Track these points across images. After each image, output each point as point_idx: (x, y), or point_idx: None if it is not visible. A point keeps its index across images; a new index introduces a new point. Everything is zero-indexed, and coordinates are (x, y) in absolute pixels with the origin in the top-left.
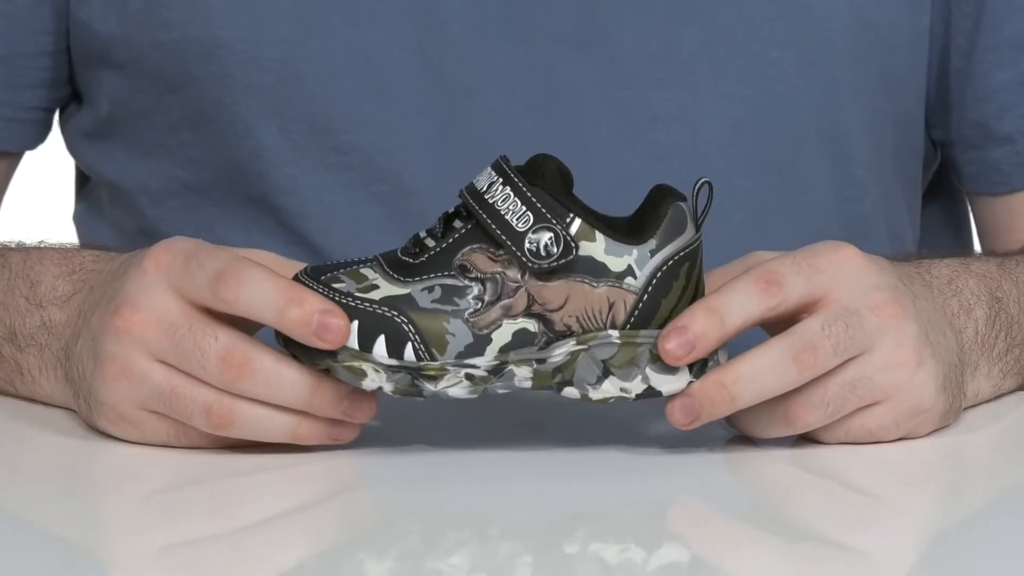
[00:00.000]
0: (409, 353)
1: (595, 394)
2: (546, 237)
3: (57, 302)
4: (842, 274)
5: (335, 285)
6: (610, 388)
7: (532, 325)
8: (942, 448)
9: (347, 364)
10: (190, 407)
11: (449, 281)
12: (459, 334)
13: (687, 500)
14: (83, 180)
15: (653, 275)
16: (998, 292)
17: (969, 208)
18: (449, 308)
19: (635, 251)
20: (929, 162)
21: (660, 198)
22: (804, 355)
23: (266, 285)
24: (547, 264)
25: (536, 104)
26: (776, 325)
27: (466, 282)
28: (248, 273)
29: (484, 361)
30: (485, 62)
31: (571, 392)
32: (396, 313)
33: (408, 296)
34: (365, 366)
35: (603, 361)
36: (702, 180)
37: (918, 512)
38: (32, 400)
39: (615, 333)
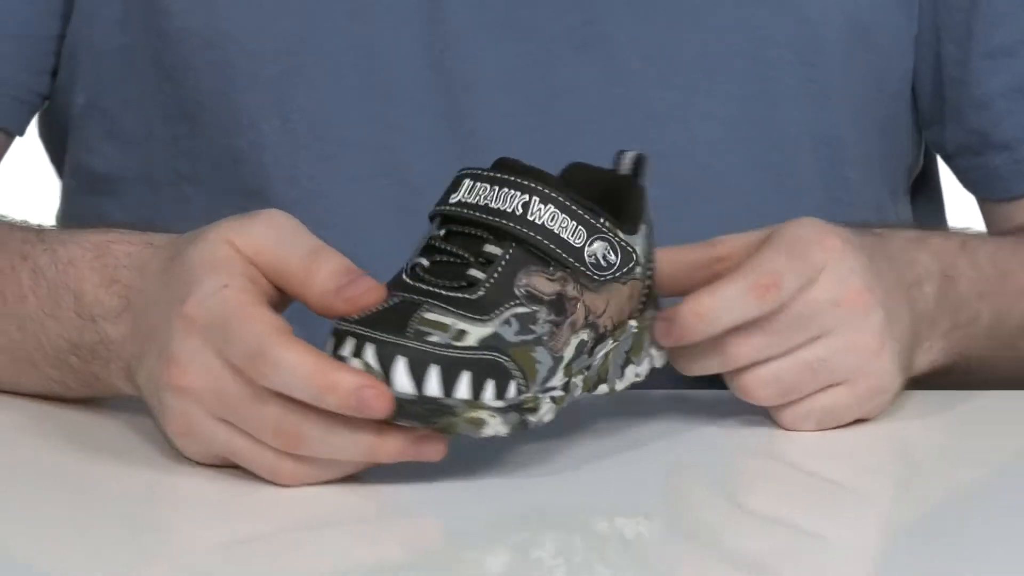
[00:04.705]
0: (512, 391)
1: (619, 385)
2: (601, 248)
3: (108, 317)
4: (829, 261)
5: (430, 339)
6: (630, 375)
7: (586, 334)
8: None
9: (467, 417)
10: (254, 468)
11: (520, 310)
12: (543, 361)
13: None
14: (68, 184)
15: (649, 259)
16: (950, 271)
17: (945, 213)
18: (531, 337)
19: (638, 241)
20: (912, 170)
21: (616, 186)
22: (733, 347)
23: (299, 372)
24: (611, 275)
25: (535, 102)
26: None
27: (534, 308)
28: (280, 357)
29: (558, 381)
30: (485, 59)
31: (602, 389)
32: (497, 354)
33: (496, 334)
34: (482, 414)
35: (626, 353)
36: (626, 154)
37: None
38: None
39: (634, 323)
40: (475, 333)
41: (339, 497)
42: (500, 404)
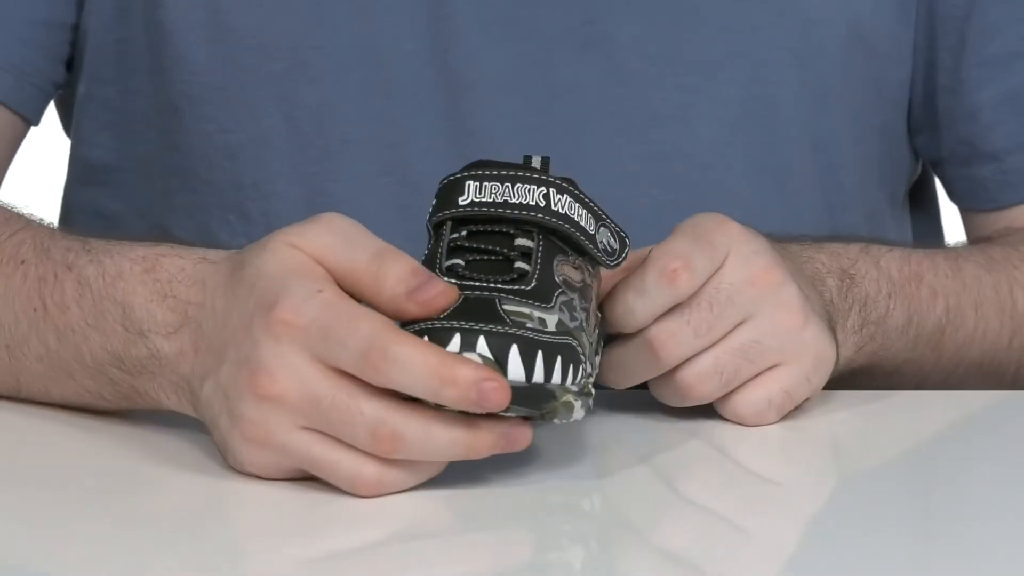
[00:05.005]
0: (581, 374)
1: (595, 374)
2: (605, 234)
3: (161, 332)
4: (732, 245)
5: (528, 325)
6: (597, 363)
7: (595, 320)
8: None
9: (563, 401)
10: (333, 476)
11: (564, 297)
12: (587, 345)
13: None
14: (68, 174)
15: (628, 247)
16: (851, 270)
17: (941, 222)
18: (577, 323)
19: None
20: (910, 177)
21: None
22: (662, 345)
23: (416, 365)
24: (617, 261)
25: (536, 101)
26: None
27: (571, 295)
28: (395, 353)
29: (590, 367)
30: (486, 58)
31: None
32: (571, 338)
33: (561, 320)
34: (570, 397)
35: (594, 343)
36: (534, 157)
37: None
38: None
39: (599, 312)
40: (550, 320)
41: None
42: (576, 388)
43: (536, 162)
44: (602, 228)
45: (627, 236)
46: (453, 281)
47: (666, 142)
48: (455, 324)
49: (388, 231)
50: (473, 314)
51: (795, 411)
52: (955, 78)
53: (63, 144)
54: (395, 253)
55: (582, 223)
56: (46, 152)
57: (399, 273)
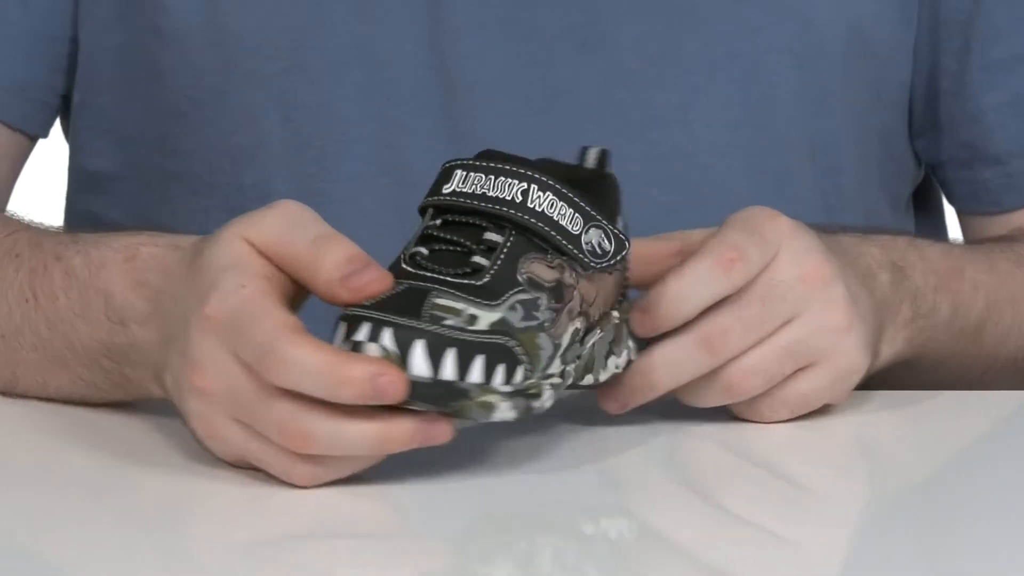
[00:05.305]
0: (519, 375)
1: (603, 376)
2: (596, 235)
3: (137, 320)
4: (783, 240)
5: (445, 323)
6: (611, 366)
7: (579, 323)
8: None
9: (479, 400)
10: (268, 469)
11: (523, 296)
12: (545, 347)
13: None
14: (68, 182)
15: (627, 250)
16: (900, 262)
17: (946, 226)
18: (535, 323)
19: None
20: (912, 180)
21: (583, 180)
22: (715, 340)
23: (311, 368)
24: (606, 263)
25: (535, 102)
26: None
27: (536, 294)
28: (291, 355)
29: (556, 368)
30: (486, 58)
31: (588, 379)
32: (507, 338)
33: (504, 319)
34: (492, 398)
35: (609, 343)
36: (591, 149)
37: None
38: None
39: (616, 314)
40: (485, 318)
41: (354, 501)
42: (508, 389)
43: (593, 155)
44: (592, 229)
45: (627, 239)
46: (408, 268)
47: (666, 142)
48: (370, 314)
49: (386, 231)
50: (395, 306)
51: (826, 413)
52: (959, 81)
53: (66, 150)
54: (337, 239)
55: (563, 223)
56: (49, 159)
57: (336, 258)
